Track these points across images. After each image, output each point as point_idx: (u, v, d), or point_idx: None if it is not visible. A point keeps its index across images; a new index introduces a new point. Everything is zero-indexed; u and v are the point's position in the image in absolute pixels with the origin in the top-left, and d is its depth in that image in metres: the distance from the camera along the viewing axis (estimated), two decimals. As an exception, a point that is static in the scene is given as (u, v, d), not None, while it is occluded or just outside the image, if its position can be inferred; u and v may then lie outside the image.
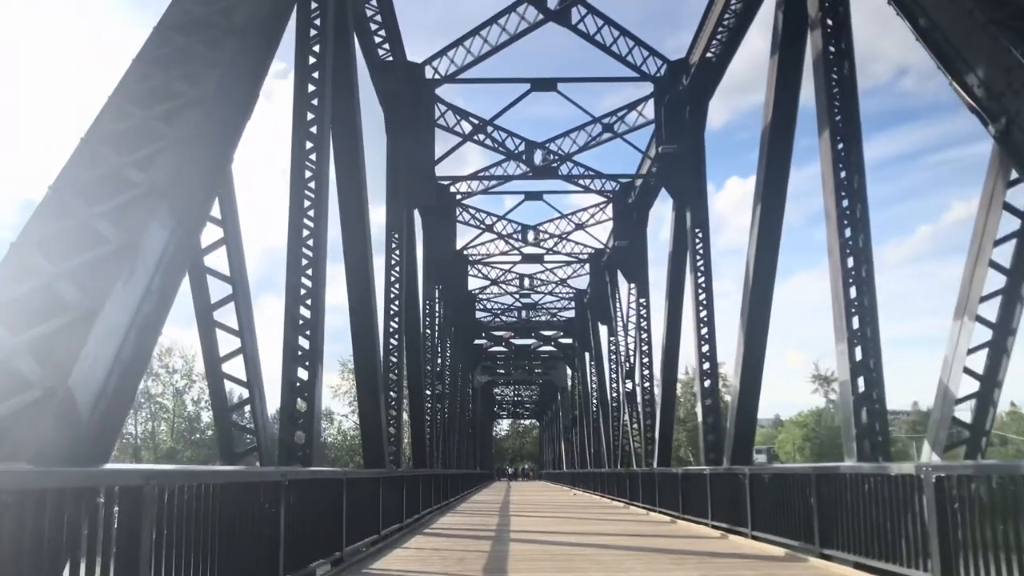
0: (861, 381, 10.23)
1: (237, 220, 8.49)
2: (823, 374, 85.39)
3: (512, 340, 52.66)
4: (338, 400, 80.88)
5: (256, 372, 8.82)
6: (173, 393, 79.75)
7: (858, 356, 10.27)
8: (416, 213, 24.71)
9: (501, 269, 38.13)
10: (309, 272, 10.49)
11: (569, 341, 50.96)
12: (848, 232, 10.55)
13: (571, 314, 46.57)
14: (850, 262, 10.42)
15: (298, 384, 10.24)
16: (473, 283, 39.98)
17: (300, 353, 10.26)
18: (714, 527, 14.75)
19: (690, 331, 18.89)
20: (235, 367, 8.71)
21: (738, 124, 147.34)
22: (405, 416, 23.88)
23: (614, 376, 34.26)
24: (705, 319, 18.23)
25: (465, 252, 33.85)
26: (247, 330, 8.63)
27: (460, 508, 24.95)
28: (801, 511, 10.51)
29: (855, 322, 10.30)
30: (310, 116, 11.01)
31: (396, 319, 18.63)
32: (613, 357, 34.04)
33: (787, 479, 11.04)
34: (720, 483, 14.73)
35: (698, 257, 18.56)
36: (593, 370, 41.36)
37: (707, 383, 18.10)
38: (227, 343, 8.60)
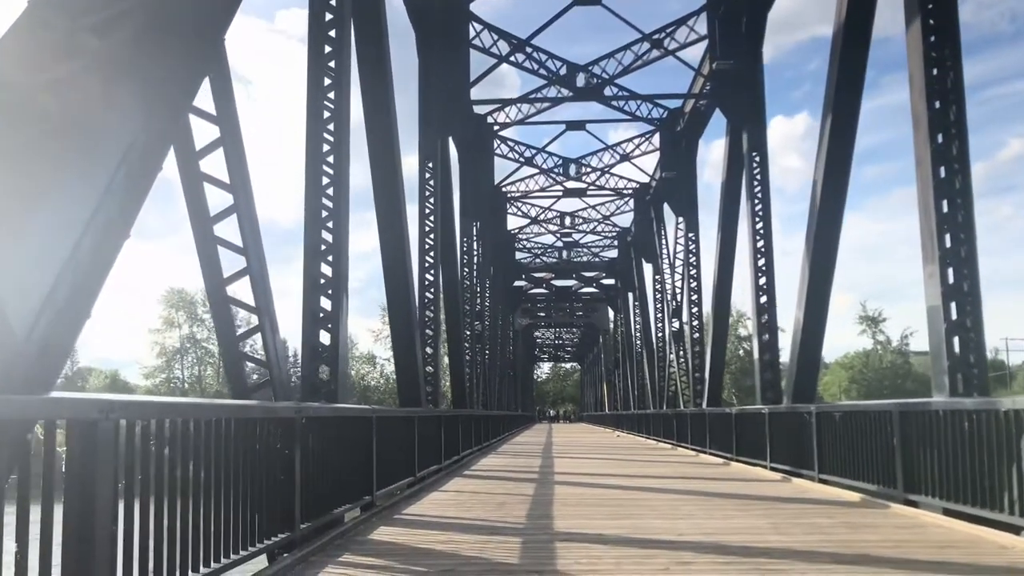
0: (953, 307, 8.99)
1: (235, 116, 7.45)
2: (871, 315, 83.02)
3: (553, 282, 51.63)
4: (380, 344, 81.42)
5: (265, 296, 7.88)
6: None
7: (950, 279, 9.01)
8: (452, 147, 23.59)
9: (541, 207, 36.89)
10: (330, 192, 9.48)
11: (611, 282, 49.77)
12: (940, 138, 9.19)
13: (614, 254, 45.27)
14: (942, 172, 9.08)
15: (321, 315, 9.32)
16: (512, 223, 38.83)
17: (322, 281, 9.32)
18: (773, 469, 13.74)
19: (744, 264, 17.69)
20: (242, 291, 7.80)
21: (782, 63, 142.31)
22: (444, 357, 23.16)
23: (660, 316, 33.11)
24: (763, 249, 16.92)
25: (503, 189, 32.65)
26: (252, 247, 7.66)
27: (502, 449, 24.30)
28: (880, 452, 9.43)
29: (947, 240, 9.01)
30: (328, 17, 9.84)
31: (431, 254, 17.64)
32: (659, 296, 32.83)
33: (862, 417, 9.92)
34: (781, 423, 13.66)
35: (755, 183, 17.17)
36: (637, 310, 40.22)
37: (764, 318, 16.88)
38: (232, 263, 7.67)
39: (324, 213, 9.36)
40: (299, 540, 6.59)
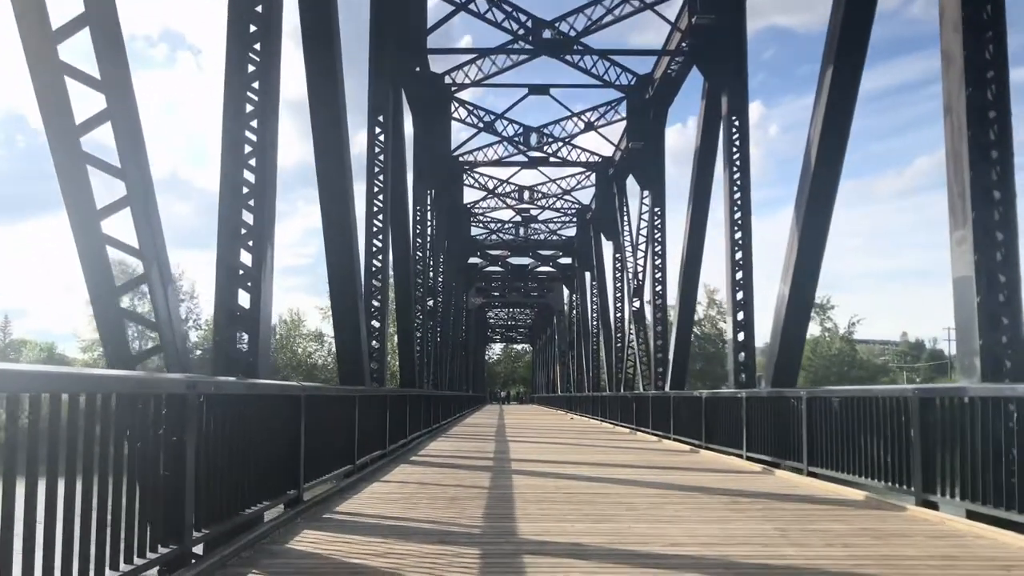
0: (986, 281, 7.74)
1: (127, 81, 5.72)
2: (819, 302, 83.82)
3: (508, 260, 50.16)
4: (329, 323, 79.18)
5: (153, 236, 6.23)
6: None
7: (984, 247, 7.76)
8: (406, 108, 21.86)
9: (499, 179, 35.28)
10: (254, 124, 7.82)
11: (568, 261, 48.48)
12: (975, 82, 7.91)
13: (572, 232, 43.94)
14: (979, 121, 7.80)
15: (240, 272, 7.69)
16: (468, 196, 37.16)
17: (243, 231, 7.68)
18: (750, 459, 12.55)
19: (717, 239, 16.44)
20: (122, 228, 6.11)
21: (755, 47, 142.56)
22: (393, 335, 21.58)
23: (619, 295, 31.87)
24: (740, 222, 15.65)
25: (460, 157, 30.94)
26: (134, 168, 5.98)
27: (452, 432, 22.84)
28: (891, 445, 8.20)
29: (983, 202, 7.75)
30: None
31: (380, 216, 15.98)
32: (619, 275, 31.57)
33: (869, 404, 8.67)
34: (760, 408, 12.43)
35: (734, 149, 15.86)
36: (595, 290, 38.98)
37: (740, 295, 15.64)
38: (109, 190, 5.98)
39: (247, 147, 7.69)
40: (191, 554, 5.04)
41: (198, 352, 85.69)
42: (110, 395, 4.01)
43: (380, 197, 15.92)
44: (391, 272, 17.79)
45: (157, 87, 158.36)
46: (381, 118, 16.14)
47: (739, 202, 15.69)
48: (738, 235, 15.64)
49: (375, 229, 15.97)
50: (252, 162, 7.65)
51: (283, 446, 7.42)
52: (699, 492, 9.24)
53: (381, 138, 16.05)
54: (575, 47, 21.20)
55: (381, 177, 15.92)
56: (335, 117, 11.22)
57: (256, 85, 8.00)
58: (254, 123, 7.82)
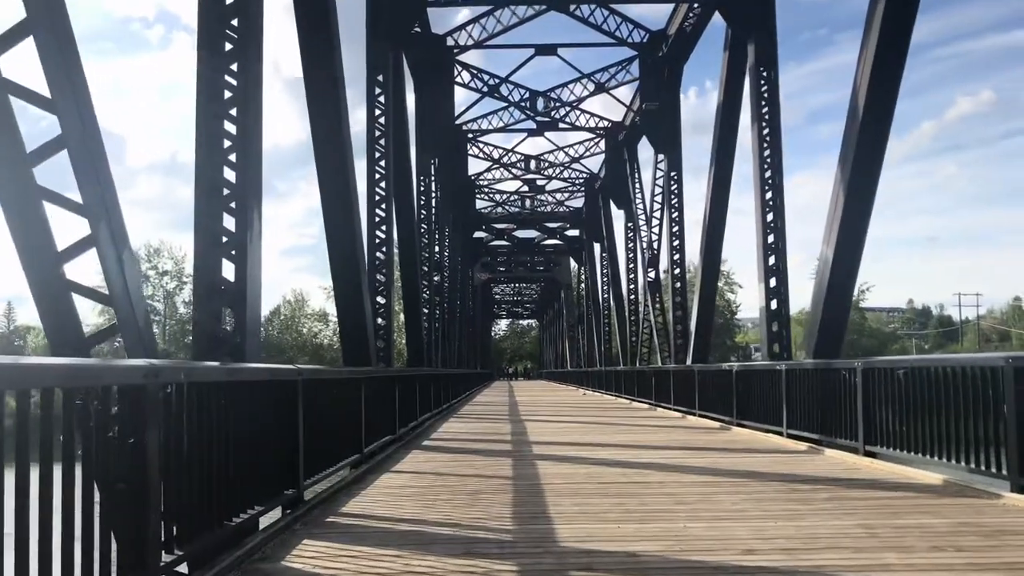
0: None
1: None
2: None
3: (514, 233, 48.98)
4: (332, 302, 78.30)
5: (101, 189, 5.13)
6: (164, 296, 79.26)
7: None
8: (407, 73, 20.67)
9: (504, 149, 33.99)
10: (234, 67, 6.70)
11: (576, 233, 47.30)
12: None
13: (579, 203, 42.69)
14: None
15: (224, 239, 6.61)
16: (473, 167, 35.86)
17: (225, 191, 6.59)
18: (792, 437, 11.52)
19: (745, 201, 15.34)
20: (55, 174, 4.98)
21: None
22: (399, 313, 20.55)
23: (632, 266, 30.75)
24: (771, 181, 14.51)
25: (464, 127, 29.69)
26: (67, 102, 4.85)
27: (464, 411, 21.87)
28: (973, 422, 7.16)
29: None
30: None
31: (382, 184, 14.86)
32: (631, 245, 30.43)
33: (943, 376, 7.60)
34: (804, 382, 11.38)
35: (763, 103, 14.66)
36: (605, 261, 37.84)
37: (772, 260, 14.54)
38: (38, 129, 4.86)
39: (227, 93, 6.58)
40: (160, 582, 4.02)
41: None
42: (27, 392, 2.96)
43: (382, 163, 14.79)
44: (395, 245, 16.69)
45: (154, 70, 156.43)
46: (380, 78, 14.95)
47: (769, 160, 14.53)
48: (769, 195, 14.50)
49: (377, 198, 14.87)
50: (233, 111, 6.54)
51: (278, 439, 6.40)
52: (749, 478, 8.21)
53: (381, 99, 14.88)
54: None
55: (382, 142, 14.78)
56: (331, 78, 10.11)
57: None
58: (234, 66, 6.70)
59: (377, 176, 14.82)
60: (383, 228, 14.82)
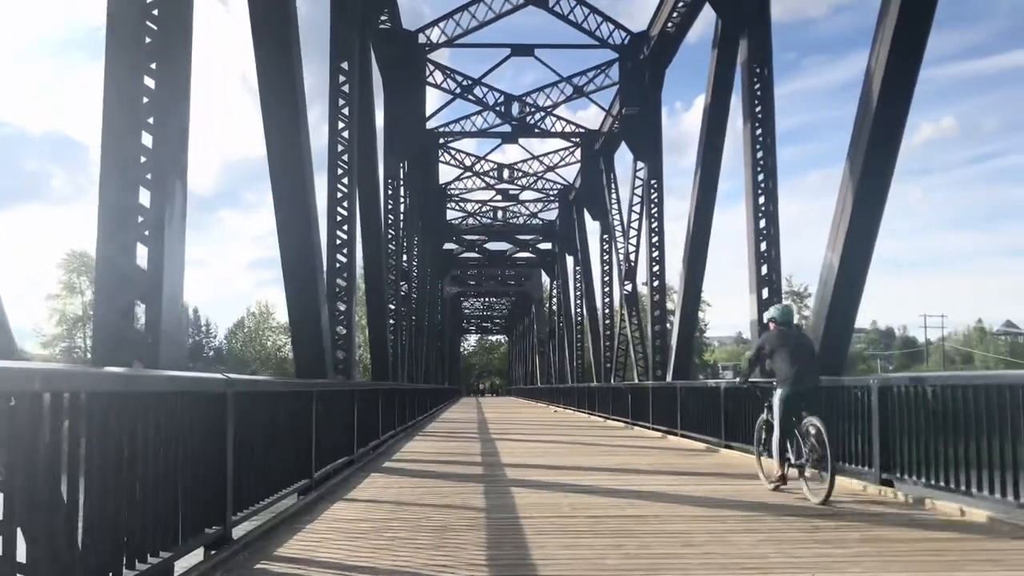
0: None
1: None
2: (796, 290, 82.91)
3: (486, 245, 47.82)
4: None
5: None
6: None
7: None
8: (376, 72, 19.51)
9: (477, 156, 32.90)
10: (155, 12, 5.49)
11: (548, 246, 46.27)
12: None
13: (552, 215, 41.68)
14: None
15: (141, 219, 5.37)
16: (445, 174, 34.64)
17: (143, 158, 5.37)
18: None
19: (735, 209, 14.36)
20: None
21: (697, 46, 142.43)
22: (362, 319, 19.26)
23: (607, 278, 29.73)
24: (764, 185, 13.53)
25: (436, 131, 28.51)
26: None
27: (430, 429, 20.59)
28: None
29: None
30: None
31: (344, 181, 13.62)
32: (607, 257, 29.40)
33: (993, 395, 6.57)
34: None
35: (756, 102, 13.72)
36: (579, 274, 36.80)
37: (764, 270, 13.54)
38: None
39: (147, 39, 5.35)
40: None
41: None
42: None
43: (344, 158, 13.56)
44: (359, 248, 15.44)
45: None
46: (345, 65, 13.76)
47: (763, 162, 13.57)
48: (762, 200, 13.52)
49: (340, 196, 13.63)
50: (153, 65, 5.33)
51: (199, 463, 5.17)
52: (760, 511, 7.10)
53: (345, 88, 13.68)
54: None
55: (345, 134, 13.57)
56: (284, 44, 8.91)
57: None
58: (155, 11, 5.49)
59: (340, 172, 13.59)
60: (345, 228, 13.57)
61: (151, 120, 5.33)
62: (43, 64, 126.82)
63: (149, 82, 5.36)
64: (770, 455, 8.60)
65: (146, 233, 5.25)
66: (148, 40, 5.31)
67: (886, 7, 9.62)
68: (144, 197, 5.32)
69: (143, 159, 5.34)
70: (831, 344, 10.86)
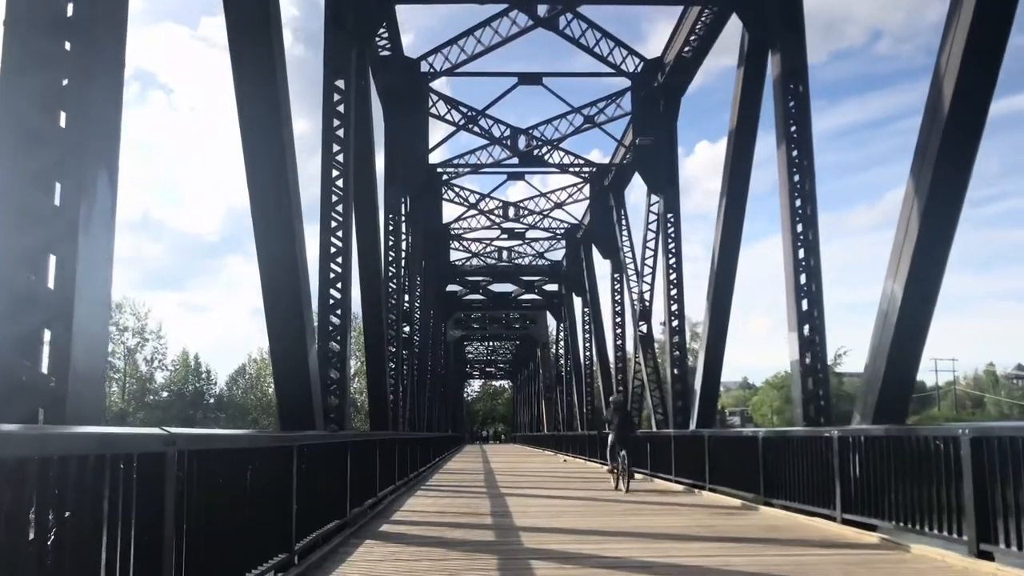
0: None
1: None
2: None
3: (490, 287, 46.53)
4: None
5: None
6: (124, 353, 76.75)
7: None
8: (376, 100, 18.44)
9: (481, 194, 31.78)
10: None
11: (555, 288, 44.96)
12: None
13: (559, 256, 40.45)
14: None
15: (50, 219, 4.07)
16: (448, 212, 33.47)
17: (53, 144, 4.09)
18: (849, 523, 9.03)
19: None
20: None
21: (711, 87, 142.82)
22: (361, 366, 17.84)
23: (619, 320, 28.35)
24: (801, 212, 12.24)
25: (439, 168, 27.44)
26: None
27: (434, 481, 19.04)
28: None
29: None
30: None
31: (339, 208, 12.35)
32: (618, 297, 28.09)
33: None
34: (867, 453, 8.92)
35: (791, 122, 12.49)
36: (588, 316, 35.40)
37: (805, 304, 12.17)
38: None
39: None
40: None
41: (164, 394, 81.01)
42: None
43: (339, 183, 12.33)
44: (355, 284, 14.09)
45: (128, 126, 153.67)
46: (341, 84, 12.61)
47: (800, 186, 12.29)
48: (800, 228, 12.22)
49: (334, 225, 12.35)
50: (69, 8, 4.06)
51: (128, 543, 3.78)
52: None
53: (340, 108, 12.51)
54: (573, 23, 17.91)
55: (340, 157, 12.36)
56: (265, 42, 7.69)
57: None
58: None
59: (334, 198, 12.35)
60: (339, 260, 12.28)
61: (64, 82, 4.05)
62: None
63: (65, 43, 4.10)
64: None
65: (57, 243, 3.92)
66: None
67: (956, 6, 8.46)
68: (56, 192, 4.03)
69: (54, 143, 4.05)
70: (895, 387, 9.47)
